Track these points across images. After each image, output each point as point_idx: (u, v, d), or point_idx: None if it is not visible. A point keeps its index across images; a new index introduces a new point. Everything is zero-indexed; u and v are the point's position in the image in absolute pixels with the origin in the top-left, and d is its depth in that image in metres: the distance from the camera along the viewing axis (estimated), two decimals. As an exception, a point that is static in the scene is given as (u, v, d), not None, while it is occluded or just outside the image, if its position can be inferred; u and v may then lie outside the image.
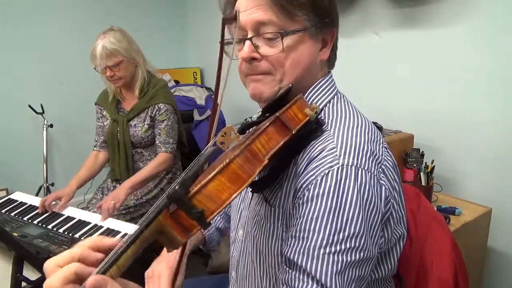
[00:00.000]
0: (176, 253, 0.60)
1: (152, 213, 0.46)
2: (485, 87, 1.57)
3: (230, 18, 0.69)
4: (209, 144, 0.62)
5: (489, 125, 1.58)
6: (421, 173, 1.54)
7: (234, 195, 0.47)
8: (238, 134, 0.65)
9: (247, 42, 0.69)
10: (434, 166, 1.56)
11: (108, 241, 0.50)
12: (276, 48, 0.68)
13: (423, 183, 1.54)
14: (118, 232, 1.34)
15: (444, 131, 1.74)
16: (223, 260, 2.00)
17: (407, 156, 1.67)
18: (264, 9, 0.67)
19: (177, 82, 3.15)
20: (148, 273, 0.85)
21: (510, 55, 1.48)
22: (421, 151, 1.66)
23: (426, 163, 1.59)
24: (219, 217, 1.06)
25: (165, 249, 0.50)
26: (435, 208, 1.30)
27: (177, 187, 0.45)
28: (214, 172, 0.47)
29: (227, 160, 0.48)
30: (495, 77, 1.54)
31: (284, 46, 0.67)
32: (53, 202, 1.51)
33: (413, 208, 0.96)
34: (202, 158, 0.55)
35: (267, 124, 0.57)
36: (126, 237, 0.46)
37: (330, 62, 0.78)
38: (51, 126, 2.59)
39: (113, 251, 0.45)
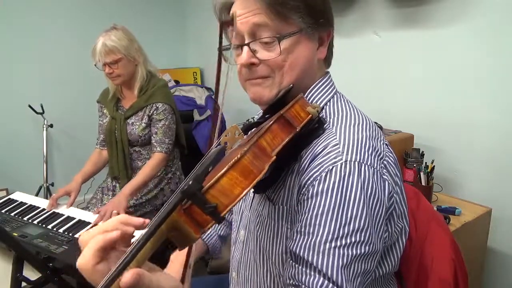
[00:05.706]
0: (180, 265, 0.60)
1: (165, 209, 0.46)
2: (485, 87, 1.57)
3: (228, 21, 0.70)
4: (213, 145, 0.63)
5: (489, 125, 1.58)
6: (421, 173, 1.54)
7: (246, 190, 0.48)
8: (242, 133, 0.65)
9: (245, 48, 0.70)
10: (434, 166, 1.56)
11: (135, 220, 0.49)
12: (274, 52, 0.69)
13: (423, 183, 1.54)
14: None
15: (444, 131, 1.74)
16: (224, 260, 2.00)
17: (407, 156, 1.67)
18: (259, 14, 0.68)
19: (177, 82, 3.16)
20: None
21: (510, 55, 1.48)
22: (421, 151, 1.65)
23: (426, 163, 1.59)
24: (221, 224, 1.06)
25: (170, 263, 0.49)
26: (435, 208, 1.30)
27: (190, 182, 0.45)
28: (227, 167, 0.47)
29: (238, 155, 0.48)
30: (495, 77, 1.54)
31: (282, 49, 0.69)
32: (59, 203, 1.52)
33: (413, 207, 0.96)
34: (210, 155, 0.56)
35: (271, 122, 0.58)
36: (143, 231, 0.45)
37: (327, 60, 0.80)
38: (51, 126, 2.59)
39: (130, 247, 0.45)
